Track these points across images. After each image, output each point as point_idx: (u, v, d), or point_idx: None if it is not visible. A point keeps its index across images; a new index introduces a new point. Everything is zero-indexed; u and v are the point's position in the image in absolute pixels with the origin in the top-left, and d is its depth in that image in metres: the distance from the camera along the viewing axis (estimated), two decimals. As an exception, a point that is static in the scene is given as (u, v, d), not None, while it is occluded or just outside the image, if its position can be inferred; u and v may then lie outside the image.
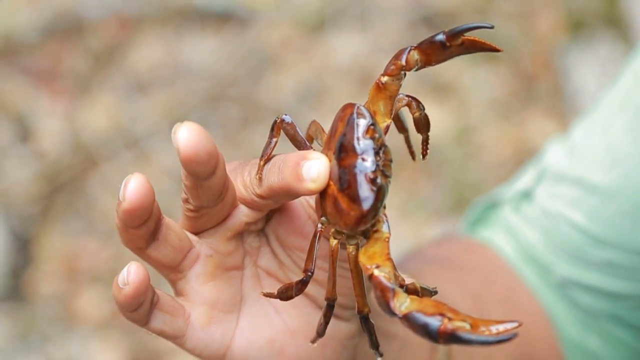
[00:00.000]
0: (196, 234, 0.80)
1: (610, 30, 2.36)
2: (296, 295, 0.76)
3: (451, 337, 0.66)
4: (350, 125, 0.72)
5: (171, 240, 0.78)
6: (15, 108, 2.54)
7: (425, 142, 0.77)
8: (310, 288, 0.79)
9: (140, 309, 0.77)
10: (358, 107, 0.73)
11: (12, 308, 2.24)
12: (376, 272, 0.70)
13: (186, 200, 0.78)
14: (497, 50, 0.72)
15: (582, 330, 1.07)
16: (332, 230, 0.75)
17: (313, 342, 0.80)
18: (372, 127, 0.72)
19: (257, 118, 2.54)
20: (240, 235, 0.80)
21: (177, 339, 0.80)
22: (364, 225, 0.72)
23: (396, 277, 0.70)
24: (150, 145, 2.48)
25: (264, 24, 2.66)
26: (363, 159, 0.72)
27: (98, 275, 2.28)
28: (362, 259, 0.71)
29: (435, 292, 0.73)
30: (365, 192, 0.71)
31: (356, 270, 0.75)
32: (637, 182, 1.03)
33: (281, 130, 0.76)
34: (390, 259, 0.70)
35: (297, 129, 0.76)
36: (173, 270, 0.80)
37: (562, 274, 1.07)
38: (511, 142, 2.39)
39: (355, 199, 0.71)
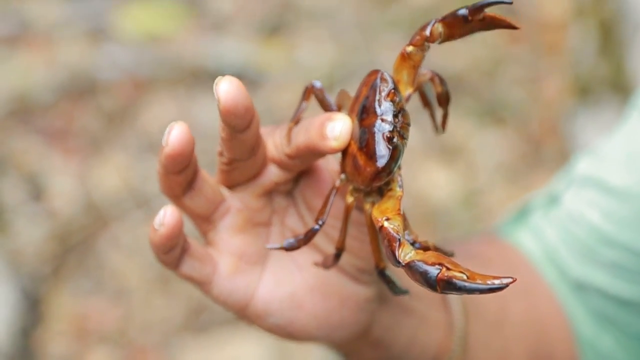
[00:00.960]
0: (229, 188, 0.85)
1: (616, 95, 2.38)
2: (304, 244, 0.80)
3: (447, 284, 0.70)
4: (373, 89, 0.77)
5: (205, 192, 0.83)
6: (28, 167, 2.57)
7: (445, 116, 0.83)
8: (325, 247, 0.85)
9: (172, 251, 0.82)
10: (382, 73, 0.78)
11: (21, 367, 2.25)
12: (385, 224, 0.74)
13: (221, 154, 0.84)
14: (515, 28, 0.76)
15: (596, 330, 1.09)
16: (350, 188, 0.80)
17: (316, 264, 0.85)
18: (393, 91, 0.76)
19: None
20: (269, 194, 0.86)
21: (204, 285, 0.85)
22: (379, 181, 0.76)
23: (406, 230, 0.75)
24: (160, 204, 2.50)
25: (275, 86, 2.70)
26: (382, 120, 0.76)
27: (107, 335, 2.29)
28: (375, 213, 0.75)
29: (452, 255, 0.78)
30: (382, 150, 0.76)
31: (372, 226, 0.79)
32: None
33: (311, 96, 0.83)
34: (400, 214, 0.75)
35: (326, 94, 0.82)
36: (205, 221, 0.84)
37: (575, 275, 1.09)
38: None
39: (372, 156, 0.76)
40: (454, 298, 0.97)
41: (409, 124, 0.78)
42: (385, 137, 0.76)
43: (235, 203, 0.85)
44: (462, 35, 0.78)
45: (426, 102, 0.84)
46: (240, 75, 2.96)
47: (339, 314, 0.88)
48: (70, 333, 2.30)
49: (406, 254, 0.73)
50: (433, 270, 0.70)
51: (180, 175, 0.81)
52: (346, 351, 0.95)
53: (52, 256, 2.41)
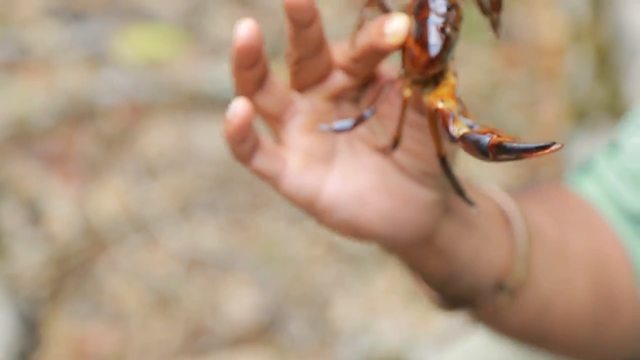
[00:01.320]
0: (299, 91, 0.91)
1: (612, 119, 2.39)
2: (353, 128, 0.88)
3: (498, 148, 0.74)
4: None
5: (275, 92, 0.89)
6: (26, 191, 2.58)
7: (496, 21, 0.87)
8: (397, 154, 0.90)
9: (245, 143, 0.87)
10: None
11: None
12: (440, 105, 0.80)
13: (289, 54, 0.88)
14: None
15: None
16: (408, 81, 0.85)
17: (377, 149, 0.92)
18: None
19: (265, 202, 2.57)
20: (337, 100, 0.91)
21: (275, 180, 0.90)
22: (433, 68, 0.82)
23: (461, 112, 0.80)
24: (159, 229, 2.50)
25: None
26: (435, 13, 0.82)
27: (105, 359, 2.29)
28: (431, 98, 0.81)
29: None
30: (434, 39, 0.81)
31: (431, 115, 0.84)
32: None
33: (372, 2, 0.88)
34: (455, 98, 0.81)
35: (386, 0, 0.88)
36: (276, 121, 0.90)
37: (633, 209, 1.12)
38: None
39: (425, 45, 0.81)
40: (517, 221, 1.02)
41: (461, 17, 0.83)
42: (438, 28, 0.81)
43: (304, 105, 0.90)
44: None
45: (484, 10, 0.89)
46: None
47: (404, 212, 0.92)
48: (68, 357, 2.30)
49: (459, 129, 0.78)
50: (485, 138, 0.75)
51: (252, 71, 0.86)
52: (411, 260, 0.99)
53: (50, 280, 2.41)
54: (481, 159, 0.76)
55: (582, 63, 2.54)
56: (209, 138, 2.67)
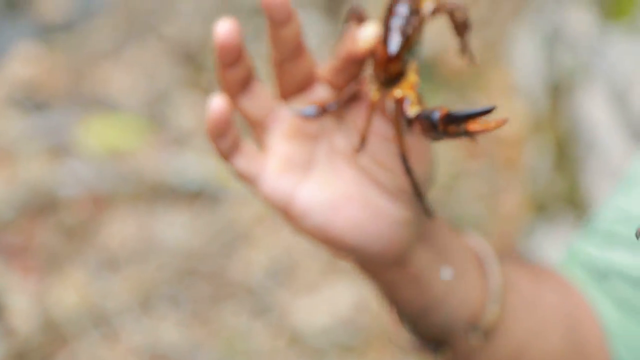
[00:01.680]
0: (283, 99, 0.96)
1: (572, 211, 2.41)
2: (318, 117, 0.93)
3: (447, 117, 0.80)
4: None
5: (259, 96, 0.95)
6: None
7: (465, 44, 0.96)
8: (367, 163, 0.95)
9: (225, 139, 0.94)
10: None
11: None
12: (398, 93, 0.87)
13: (271, 57, 0.94)
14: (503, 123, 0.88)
15: (626, 325, 1.13)
16: (376, 85, 0.91)
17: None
18: None
19: (227, 294, 2.56)
20: (320, 112, 0.95)
21: (252, 181, 0.96)
22: (393, 66, 0.88)
23: (419, 101, 0.86)
24: (120, 323, 2.48)
25: (236, 201, 2.71)
26: (398, 16, 0.89)
27: None
28: (392, 92, 0.88)
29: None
30: (394, 37, 0.88)
31: (396, 117, 0.90)
32: None
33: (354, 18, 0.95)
34: (414, 90, 0.87)
35: (365, 15, 0.95)
36: (258, 125, 0.96)
37: (598, 265, 1.14)
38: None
39: (386, 43, 0.88)
40: (493, 265, 1.06)
41: (423, 21, 0.90)
42: (398, 28, 0.88)
43: (287, 113, 0.96)
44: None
45: (457, 30, 0.97)
46: (200, 191, 2.97)
47: (374, 225, 0.96)
48: None
49: (414, 110, 0.85)
50: (435, 112, 0.81)
51: (235, 69, 0.92)
52: (386, 284, 1.02)
53: (8, 377, 2.38)
54: (434, 136, 0.83)
55: (542, 154, 2.57)
56: (171, 229, 2.67)
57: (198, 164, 2.74)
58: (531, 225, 2.51)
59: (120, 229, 2.68)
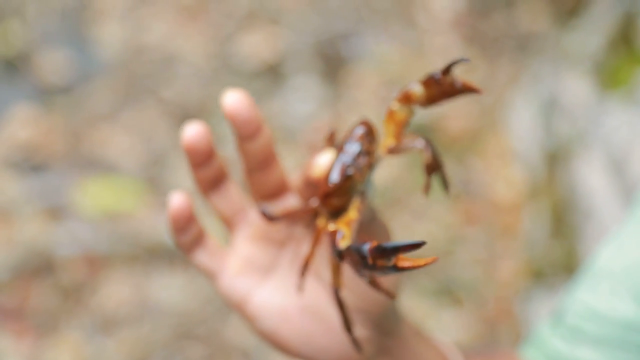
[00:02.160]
0: (255, 201, 0.96)
1: (569, 277, 2.41)
2: (270, 221, 0.93)
3: (376, 249, 0.78)
4: (351, 132, 0.90)
5: (229, 197, 0.95)
6: (-21, 346, 2.53)
7: (429, 183, 0.92)
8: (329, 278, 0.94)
9: (185, 234, 0.94)
10: (364, 122, 0.90)
11: None
12: (330, 227, 0.86)
13: (242, 166, 0.94)
14: (478, 92, 0.86)
15: None
16: (323, 215, 0.91)
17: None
18: (363, 134, 0.89)
19: (222, 357, 2.54)
20: (291, 218, 0.96)
21: (211, 277, 0.96)
22: (331, 200, 0.88)
23: (352, 238, 0.85)
24: (114, 386, 2.46)
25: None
26: (347, 154, 0.88)
27: None
28: (328, 225, 0.88)
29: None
30: (335, 174, 0.88)
31: (329, 250, 0.89)
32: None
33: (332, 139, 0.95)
34: (349, 226, 0.86)
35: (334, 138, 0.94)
36: (227, 222, 0.96)
37: (561, 351, 1.15)
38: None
39: (328, 178, 0.88)
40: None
41: (371, 167, 0.89)
42: (342, 167, 0.88)
43: (254, 215, 0.96)
44: (440, 98, 0.88)
45: (426, 169, 0.95)
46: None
47: (325, 339, 0.96)
48: None
49: (345, 243, 0.84)
50: (365, 246, 0.79)
51: (203, 171, 0.94)
52: None
53: None
54: (364, 271, 0.81)
55: (539, 221, 2.58)
56: (167, 291, 2.66)
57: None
58: (528, 291, 2.50)
59: (116, 291, 2.66)
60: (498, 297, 2.58)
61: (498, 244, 2.70)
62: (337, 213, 0.90)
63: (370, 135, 0.89)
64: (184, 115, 3.04)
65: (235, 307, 0.97)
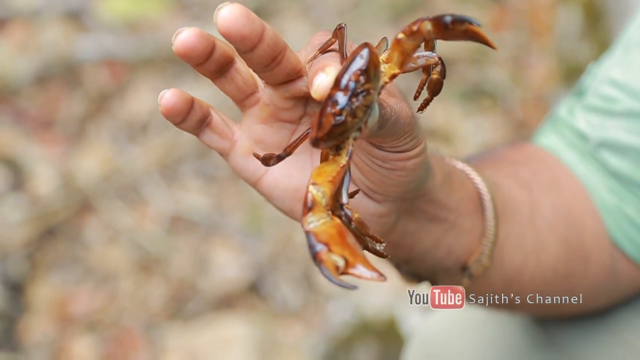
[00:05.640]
0: (266, 84, 0.94)
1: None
2: (272, 165, 0.91)
3: (318, 265, 0.76)
4: (351, 60, 0.82)
5: (236, 81, 0.92)
6: (8, 154, 2.55)
7: (428, 102, 0.89)
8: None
9: (185, 123, 0.93)
10: (366, 50, 0.82)
11: (3, 358, 2.23)
12: (310, 188, 0.80)
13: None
14: (493, 47, 0.82)
15: (617, 197, 1.16)
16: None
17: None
18: (359, 72, 0.81)
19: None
20: (304, 99, 0.94)
21: (222, 155, 0.96)
22: (317, 146, 0.82)
23: (333, 197, 0.80)
24: (144, 191, 2.48)
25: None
26: (340, 94, 0.81)
27: (91, 321, 2.28)
28: (313, 172, 0.82)
29: (368, 237, 0.82)
30: (324, 120, 0.81)
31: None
32: None
33: (339, 33, 0.89)
34: (332, 182, 0.81)
35: (346, 38, 0.89)
36: (238, 103, 0.95)
37: (593, 138, 1.15)
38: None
39: (318, 121, 0.81)
40: (488, 204, 1.06)
41: (367, 106, 0.81)
42: (333, 111, 0.80)
43: (265, 97, 0.94)
44: (447, 38, 0.82)
45: (428, 84, 0.89)
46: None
47: None
48: (53, 319, 2.28)
49: (310, 222, 0.78)
50: (316, 248, 0.76)
51: (202, 67, 0.90)
52: None
53: (34, 243, 2.39)
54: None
55: (570, 21, 2.53)
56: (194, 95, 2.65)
57: (219, 34, 2.71)
58: (560, 93, 2.48)
59: (142, 99, 2.66)
60: (529, 96, 2.56)
61: (531, 45, 2.66)
62: (337, 146, 0.84)
63: (369, 67, 0.81)
64: None
65: (250, 184, 0.97)
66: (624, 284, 1.20)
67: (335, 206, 0.81)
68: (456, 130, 2.51)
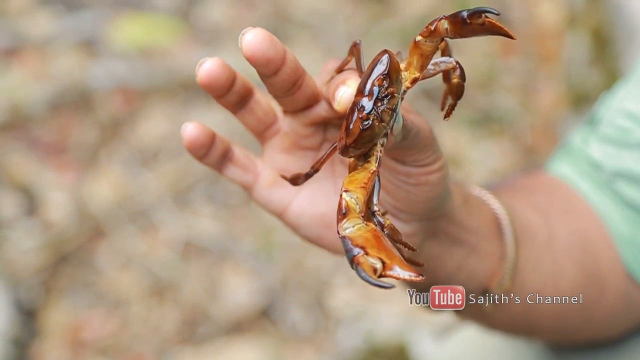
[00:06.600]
0: (284, 113, 0.94)
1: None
2: (300, 184, 0.90)
3: (356, 268, 0.76)
4: (372, 67, 0.83)
5: (256, 112, 0.93)
6: (22, 181, 2.56)
7: (452, 107, 0.89)
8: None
9: (207, 158, 0.93)
10: (386, 56, 0.83)
11: (16, 380, 2.24)
12: (343, 195, 0.81)
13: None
14: (512, 37, 0.82)
15: (633, 227, 1.16)
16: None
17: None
18: (382, 76, 0.82)
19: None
20: (324, 125, 0.94)
21: (246, 189, 0.96)
22: (346, 154, 0.83)
23: (367, 204, 0.81)
24: (156, 217, 2.49)
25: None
26: (365, 99, 0.82)
27: (104, 348, 2.28)
28: (345, 181, 0.82)
29: (398, 240, 0.82)
30: (353, 128, 0.82)
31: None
32: None
33: (355, 50, 0.90)
34: (365, 188, 0.81)
35: (362, 54, 0.89)
36: (258, 135, 0.95)
37: (607, 168, 1.15)
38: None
39: (346, 129, 0.82)
40: (507, 228, 1.06)
41: (393, 109, 0.83)
42: (361, 117, 0.81)
43: (285, 126, 0.95)
44: (465, 35, 0.83)
45: (450, 90, 0.90)
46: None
47: None
48: (65, 344, 2.29)
49: (345, 228, 0.79)
50: (353, 251, 0.77)
51: (224, 99, 0.91)
52: None
53: (46, 268, 2.40)
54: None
55: (579, 47, 2.54)
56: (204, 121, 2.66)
57: (230, 60, 2.72)
58: (568, 119, 2.49)
59: (154, 125, 2.68)
60: (538, 124, 2.56)
61: (538, 71, 2.67)
62: (364, 155, 0.85)
63: (391, 72, 0.83)
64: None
65: (277, 216, 0.97)
66: (638, 313, 1.20)
67: (367, 215, 0.82)
68: (465, 156, 2.52)
